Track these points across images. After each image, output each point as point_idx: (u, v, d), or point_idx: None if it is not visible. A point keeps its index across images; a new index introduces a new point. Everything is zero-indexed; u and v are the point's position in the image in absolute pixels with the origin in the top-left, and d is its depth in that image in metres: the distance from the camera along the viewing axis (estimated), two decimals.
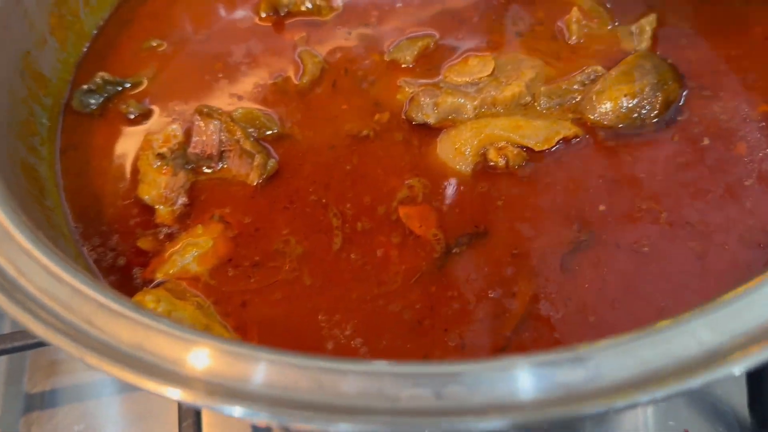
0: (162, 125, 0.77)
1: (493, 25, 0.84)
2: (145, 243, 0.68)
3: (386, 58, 0.82)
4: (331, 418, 0.41)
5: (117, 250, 0.68)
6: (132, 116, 0.79)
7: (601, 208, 0.66)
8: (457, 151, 0.71)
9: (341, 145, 0.74)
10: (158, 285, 0.64)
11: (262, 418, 0.41)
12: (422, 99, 0.74)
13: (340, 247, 0.66)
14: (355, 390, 0.42)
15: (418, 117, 0.74)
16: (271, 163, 0.71)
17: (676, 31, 0.80)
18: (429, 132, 0.74)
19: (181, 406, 0.62)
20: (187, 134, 0.73)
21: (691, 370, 0.41)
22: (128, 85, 0.82)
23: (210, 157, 0.72)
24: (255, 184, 0.71)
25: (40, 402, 0.74)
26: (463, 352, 0.58)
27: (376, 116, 0.76)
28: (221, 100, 0.79)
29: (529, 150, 0.70)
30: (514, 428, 0.40)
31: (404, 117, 0.75)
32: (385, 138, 0.74)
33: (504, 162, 0.70)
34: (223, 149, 0.72)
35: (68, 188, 0.74)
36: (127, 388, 0.74)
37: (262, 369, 0.43)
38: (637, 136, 0.71)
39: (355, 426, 0.40)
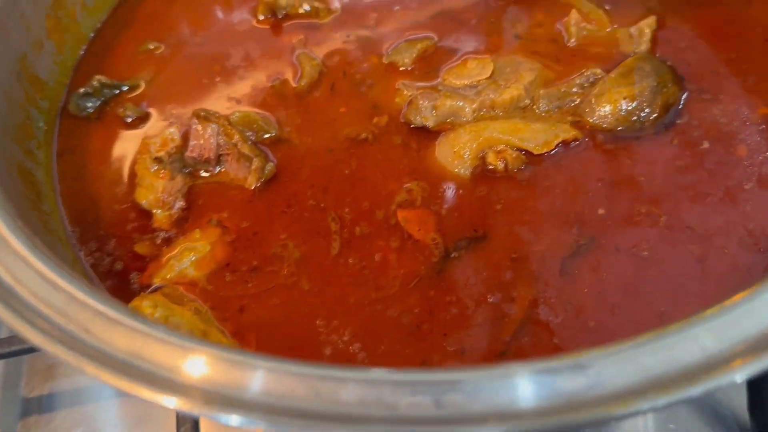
0: (159, 129, 0.77)
1: (492, 28, 0.84)
2: (142, 247, 0.68)
3: (385, 60, 0.81)
4: (329, 426, 0.40)
5: (114, 255, 0.67)
6: (129, 119, 0.79)
7: (601, 211, 0.66)
8: (455, 155, 0.70)
9: (339, 148, 0.73)
10: (155, 290, 0.64)
11: (260, 427, 0.40)
12: (421, 102, 0.74)
13: (338, 251, 0.65)
14: (353, 398, 0.41)
15: (417, 120, 0.74)
16: (269, 166, 0.71)
17: (676, 34, 0.80)
18: (427, 135, 0.73)
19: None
20: (185, 138, 0.73)
21: (692, 377, 0.40)
22: (125, 88, 0.82)
23: (207, 161, 0.72)
24: (253, 187, 0.71)
25: (37, 406, 0.74)
26: (462, 356, 0.58)
27: (375, 119, 0.75)
28: (219, 104, 0.79)
29: (528, 153, 0.70)
30: None
31: (403, 120, 0.75)
32: (383, 141, 0.74)
33: (503, 165, 0.69)
34: (220, 153, 0.72)
35: (65, 192, 0.74)
36: (125, 392, 0.73)
37: (259, 377, 0.42)
38: (636, 139, 0.71)
39: None
